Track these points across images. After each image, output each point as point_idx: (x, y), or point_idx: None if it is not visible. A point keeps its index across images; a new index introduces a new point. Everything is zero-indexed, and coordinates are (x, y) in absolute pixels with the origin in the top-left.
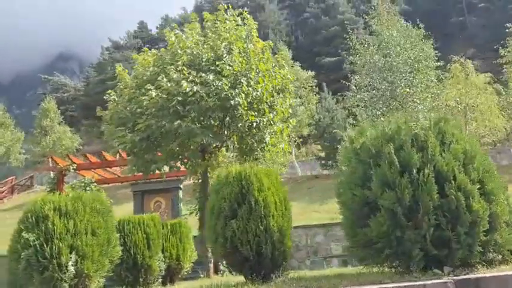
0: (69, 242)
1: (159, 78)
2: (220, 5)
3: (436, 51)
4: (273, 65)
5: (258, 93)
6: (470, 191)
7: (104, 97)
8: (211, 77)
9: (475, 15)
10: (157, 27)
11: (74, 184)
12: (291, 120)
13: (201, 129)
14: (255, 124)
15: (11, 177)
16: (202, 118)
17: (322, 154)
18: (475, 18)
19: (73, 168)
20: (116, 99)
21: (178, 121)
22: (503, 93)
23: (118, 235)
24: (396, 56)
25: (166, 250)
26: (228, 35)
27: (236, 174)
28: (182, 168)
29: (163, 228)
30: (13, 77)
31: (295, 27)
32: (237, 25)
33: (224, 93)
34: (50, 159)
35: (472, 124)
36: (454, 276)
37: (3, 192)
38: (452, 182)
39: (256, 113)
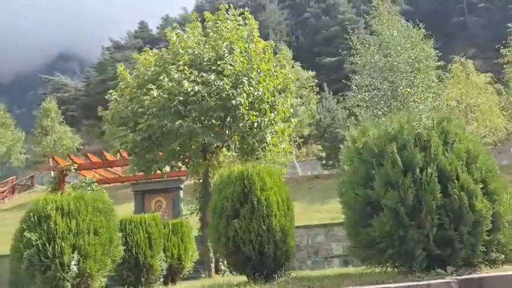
0: (71, 241)
1: (161, 78)
2: (222, 4)
3: (437, 51)
4: (274, 64)
5: (260, 92)
6: (473, 191)
7: (106, 97)
8: (212, 76)
9: (476, 15)
10: (157, 27)
11: (75, 184)
12: (292, 120)
13: (203, 129)
14: (256, 124)
15: (12, 177)
16: (203, 118)
17: (323, 154)
18: (476, 18)
19: (74, 168)
20: (118, 98)
21: (180, 121)
22: (504, 93)
23: (120, 234)
24: (397, 56)
25: (167, 250)
26: (229, 34)
27: (238, 173)
28: (183, 168)
29: (164, 228)
30: (13, 77)
31: (296, 27)
32: (239, 25)
33: (225, 93)
34: (50, 159)
35: (473, 124)
36: (457, 276)
37: (3, 192)
38: (456, 181)
39: (257, 112)
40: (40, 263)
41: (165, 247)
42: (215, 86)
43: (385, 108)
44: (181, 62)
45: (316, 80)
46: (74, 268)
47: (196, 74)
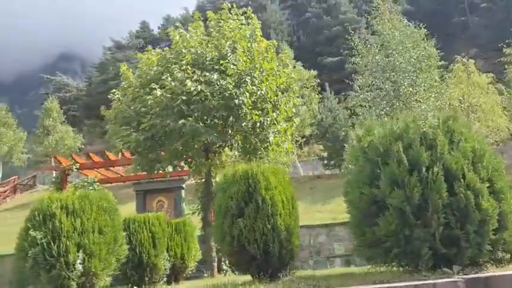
0: (76, 240)
1: (164, 77)
2: (224, 4)
3: (439, 51)
4: (277, 64)
5: (262, 92)
6: (479, 190)
7: (108, 96)
8: (215, 76)
9: (477, 15)
10: (159, 27)
11: (77, 183)
12: (295, 120)
13: (205, 129)
14: (258, 123)
15: (14, 177)
16: (206, 117)
17: (325, 154)
18: (477, 18)
19: (76, 168)
20: (120, 98)
21: (183, 120)
22: (506, 93)
23: (124, 234)
24: (399, 56)
25: (171, 249)
26: (232, 34)
27: (243, 172)
28: (185, 167)
29: (167, 227)
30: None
31: (297, 27)
32: (241, 24)
33: (228, 92)
34: (52, 159)
35: (475, 124)
36: (464, 275)
37: (5, 191)
38: (462, 180)
39: (260, 112)
40: (45, 262)
41: (168, 246)
42: (218, 85)
43: (388, 108)
44: (184, 62)
45: (318, 80)
46: (79, 267)
47: (199, 73)
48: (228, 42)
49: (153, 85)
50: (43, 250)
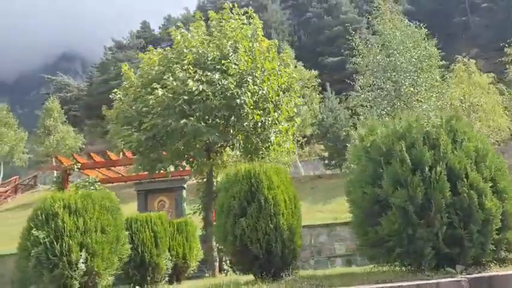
0: (79, 239)
1: (165, 77)
2: (226, 3)
3: (439, 51)
4: (278, 63)
5: (264, 91)
6: (482, 189)
7: (110, 96)
8: (217, 75)
9: (478, 15)
10: (159, 27)
11: (78, 183)
12: (296, 119)
13: (207, 128)
14: (260, 123)
15: (15, 177)
16: (207, 117)
17: (325, 154)
18: (478, 18)
19: (77, 168)
20: (122, 98)
21: (184, 120)
22: (506, 93)
23: (126, 233)
24: (400, 56)
25: (172, 249)
26: (233, 33)
27: (245, 172)
28: (187, 167)
29: (169, 227)
30: (16, 77)
31: (298, 27)
32: (243, 24)
33: (230, 92)
34: (53, 159)
35: (476, 124)
36: (467, 274)
37: (6, 191)
38: (465, 179)
39: (261, 112)
40: (48, 261)
41: (170, 246)
42: (220, 85)
43: (389, 108)
44: (185, 61)
45: (319, 80)
46: (82, 266)
47: (201, 73)
48: (229, 42)
49: (155, 85)
50: (46, 249)
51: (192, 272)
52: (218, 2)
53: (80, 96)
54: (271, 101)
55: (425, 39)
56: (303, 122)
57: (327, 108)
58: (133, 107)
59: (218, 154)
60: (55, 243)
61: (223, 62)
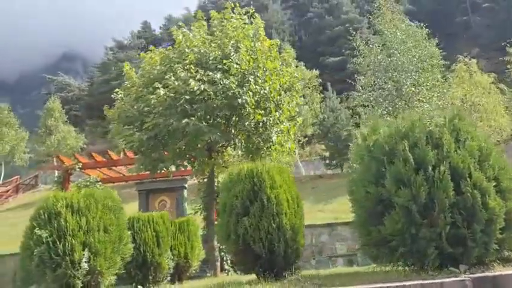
0: (81, 238)
1: (167, 76)
2: (228, 3)
3: (441, 51)
4: (280, 63)
5: (266, 91)
6: (486, 189)
7: (112, 96)
8: (218, 75)
9: (479, 15)
10: (160, 27)
11: (79, 183)
12: (298, 119)
13: (209, 128)
14: (261, 123)
15: (16, 177)
16: (209, 117)
17: (326, 154)
18: (479, 18)
19: (79, 167)
20: (123, 97)
21: (186, 120)
22: (507, 93)
23: (128, 233)
24: (401, 56)
25: (174, 248)
26: (235, 33)
27: (248, 171)
28: (188, 167)
29: (171, 226)
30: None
31: (299, 27)
32: (244, 23)
33: (231, 91)
34: (54, 159)
35: (478, 123)
36: (471, 274)
37: (8, 191)
38: (468, 179)
39: (263, 111)
40: (50, 261)
41: (172, 245)
42: (221, 84)
43: (390, 108)
44: (187, 61)
45: (320, 80)
46: (85, 265)
47: (202, 72)
48: (231, 42)
49: (156, 84)
50: (48, 249)
51: (193, 271)
52: (219, 2)
53: (81, 96)
54: (273, 101)
55: (427, 39)
56: (304, 122)
57: (328, 108)
58: (135, 107)
59: (219, 154)
60: (58, 242)
61: (224, 61)
